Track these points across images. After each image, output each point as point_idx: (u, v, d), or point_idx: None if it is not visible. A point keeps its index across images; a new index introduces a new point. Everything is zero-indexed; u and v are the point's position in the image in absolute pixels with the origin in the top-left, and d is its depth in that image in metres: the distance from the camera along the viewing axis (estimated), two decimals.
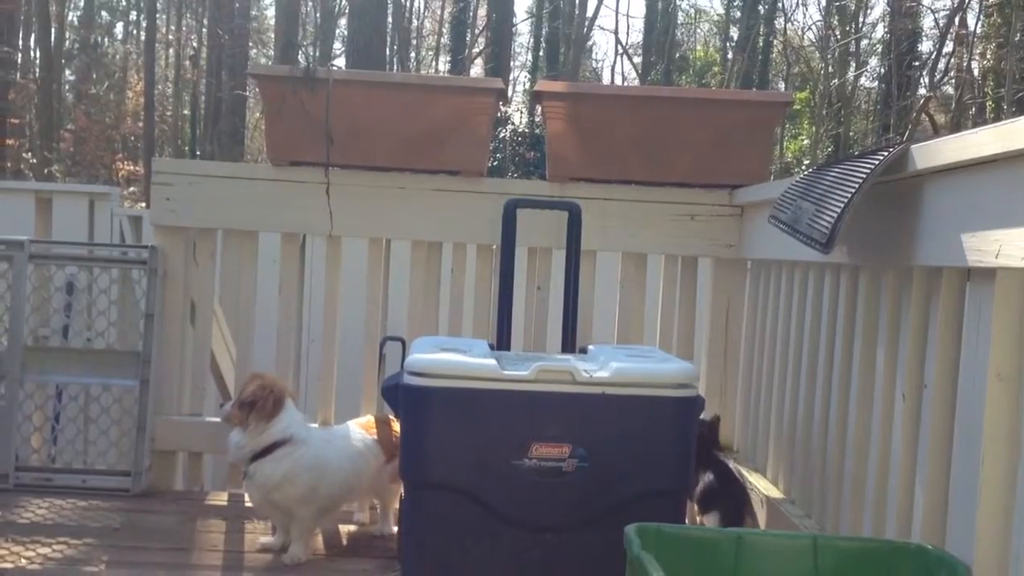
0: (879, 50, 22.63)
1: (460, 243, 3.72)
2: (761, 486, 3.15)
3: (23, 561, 2.79)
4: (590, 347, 3.05)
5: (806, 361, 2.87)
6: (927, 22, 23.14)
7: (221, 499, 3.54)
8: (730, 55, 25.42)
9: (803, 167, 19.35)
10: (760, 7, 24.21)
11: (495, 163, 14.65)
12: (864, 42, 22.87)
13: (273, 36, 22.50)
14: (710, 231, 3.65)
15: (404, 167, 3.63)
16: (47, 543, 2.94)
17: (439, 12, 28.16)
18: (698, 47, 29.66)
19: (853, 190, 2.14)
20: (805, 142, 22.90)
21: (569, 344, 3.38)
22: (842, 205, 2.15)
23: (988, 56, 19.86)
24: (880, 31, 22.73)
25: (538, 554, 2.55)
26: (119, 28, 27.95)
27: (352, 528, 3.25)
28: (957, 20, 19.47)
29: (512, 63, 26.39)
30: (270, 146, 3.68)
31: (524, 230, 3.41)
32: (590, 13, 24.31)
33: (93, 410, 3.72)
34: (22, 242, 3.55)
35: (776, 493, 3.07)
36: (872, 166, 2.14)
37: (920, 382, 2.12)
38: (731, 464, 3.29)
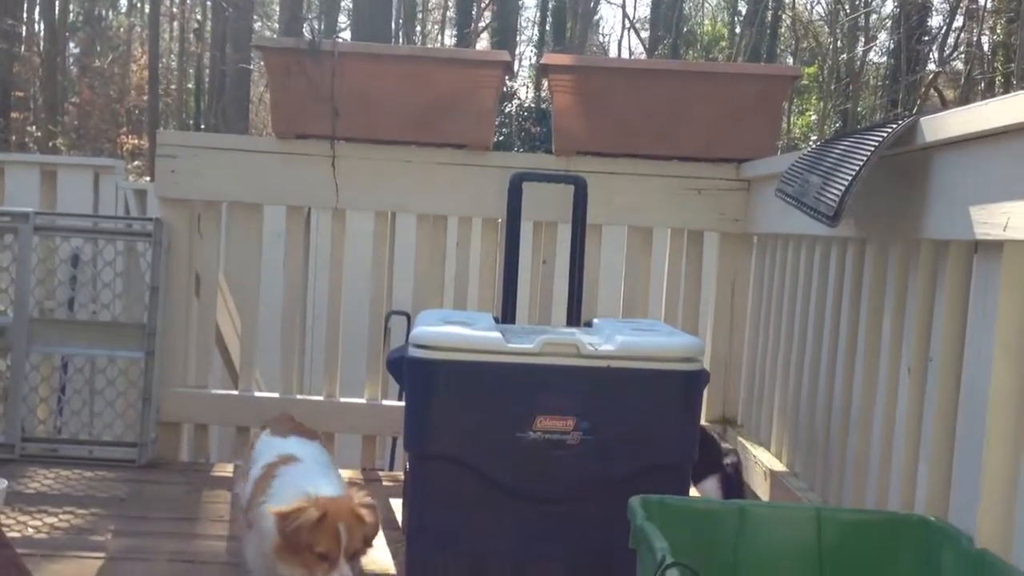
0: (888, 24, 22.46)
1: (465, 217, 3.72)
2: (765, 459, 3.16)
3: (30, 530, 2.81)
4: (595, 320, 3.04)
5: (811, 335, 2.87)
6: None
7: (226, 470, 3.56)
8: (738, 29, 25.24)
9: (811, 143, 19.26)
10: None
11: (501, 138, 14.59)
12: (873, 16, 22.69)
13: (278, 9, 22.40)
14: (717, 205, 3.64)
15: (410, 140, 3.62)
16: (54, 513, 2.96)
17: None
18: (706, 21, 29.44)
19: (861, 163, 2.13)
20: (813, 118, 22.79)
21: (574, 317, 3.38)
22: (850, 178, 2.13)
23: (998, 30, 19.71)
24: (889, 5, 22.54)
25: (542, 526, 2.56)
26: (123, 1, 27.82)
27: None
28: None
29: (518, 37, 26.22)
30: (275, 119, 3.66)
31: (530, 204, 3.40)
32: None
33: (99, 382, 3.73)
34: (27, 214, 3.55)
35: (780, 466, 3.08)
36: (880, 139, 2.12)
37: (926, 355, 2.11)
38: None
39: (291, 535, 2.02)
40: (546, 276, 3.71)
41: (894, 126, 2.13)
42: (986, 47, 20.14)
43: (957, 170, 1.95)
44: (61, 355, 3.79)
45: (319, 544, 2.03)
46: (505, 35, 21.95)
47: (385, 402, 3.74)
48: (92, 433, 3.74)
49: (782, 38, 25.43)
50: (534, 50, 28.08)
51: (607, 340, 2.58)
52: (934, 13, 21.58)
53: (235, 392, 3.80)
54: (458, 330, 2.60)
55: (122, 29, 25.85)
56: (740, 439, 3.48)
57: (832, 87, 20.90)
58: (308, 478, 2.22)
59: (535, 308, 3.74)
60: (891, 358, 2.29)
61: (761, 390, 3.42)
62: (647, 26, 27.08)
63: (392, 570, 2.69)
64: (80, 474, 3.37)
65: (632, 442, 2.54)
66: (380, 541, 2.50)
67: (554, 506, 2.55)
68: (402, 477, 2.86)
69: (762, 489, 3.10)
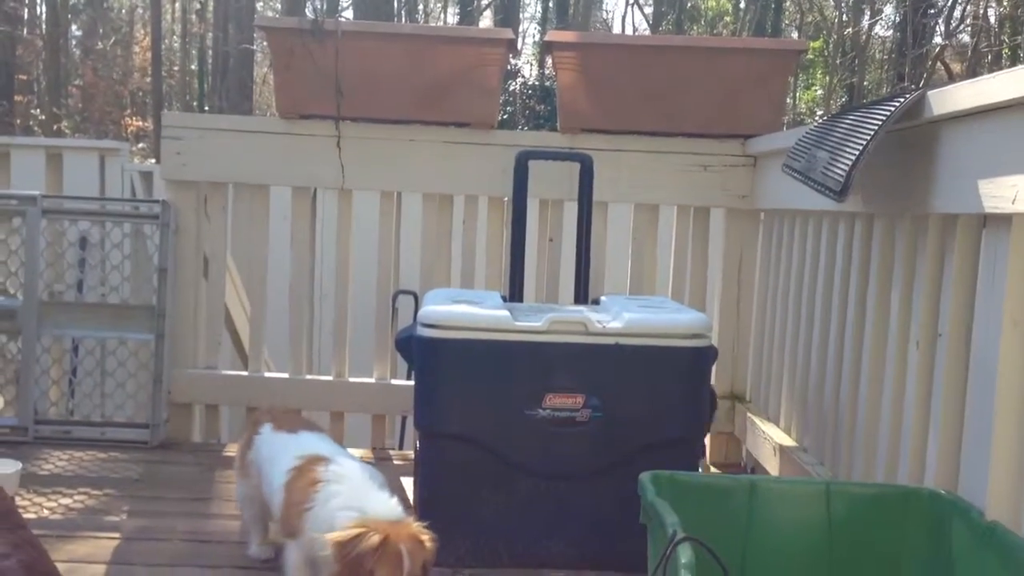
0: None
1: (472, 196, 3.72)
2: (774, 435, 3.17)
3: (45, 512, 2.84)
4: (603, 298, 3.05)
5: (819, 310, 2.87)
6: None
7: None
8: (742, 4, 25.05)
9: (817, 118, 19.15)
10: None
11: (505, 116, 14.54)
12: None
13: None
14: (723, 181, 3.63)
15: (414, 119, 3.61)
16: (68, 494, 2.99)
17: None
18: None
19: (868, 137, 2.12)
20: (819, 92, 22.65)
21: (582, 295, 3.39)
22: (857, 152, 2.13)
23: (1005, 3, 19.52)
24: None
25: (552, 503, 2.57)
26: None
27: None
28: None
29: (521, 14, 26.05)
30: (279, 99, 3.66)
31: (536, 182, 3.40)
32: None
33: (110, 364, 3.75)
34: (35, 197, 3.56)
35: (789, 441, 3.09)
36: (888, 113, 2.12)
37: (934, 330, 2.11)
38: None
39: (351, 563, 1.93)
40: (553, 254, 3.71)
41: (901, 100, 2.12)
42: (993, 20, 19.97)
43: (965, 144, 1.95)
44: (72, 337, 3.80)
45: (380, 570, 1.93)
46: (508, 12, 21.81)
47: (394, 381, 3.76)
48: (104, 415, 3.77)
49: (787, 12, 25.22)
50: (537, 27, 27.93)
51: (615, 317, 2.59)
52: None
53: (245, 373, 3.82)
54: (466, 309, 2.61)
55: (124, 10, 25.75)
56: (749, 415, 3.49)
57: (838, 61, 20.76)
58: (356, 492, 2.12)
59: (542, 286, 3.74)
60: (900, 333, 2.29)
61: (769, 366, 3.42)
62: (650, 2, 26.89)
63: None
64: (93, 455, 3.40)
65: (641, 419, 2.55)
66: None
67: (564, 483, 2.57)
68: (412, 456, 2.88)
69: (771, 464, 3.12)
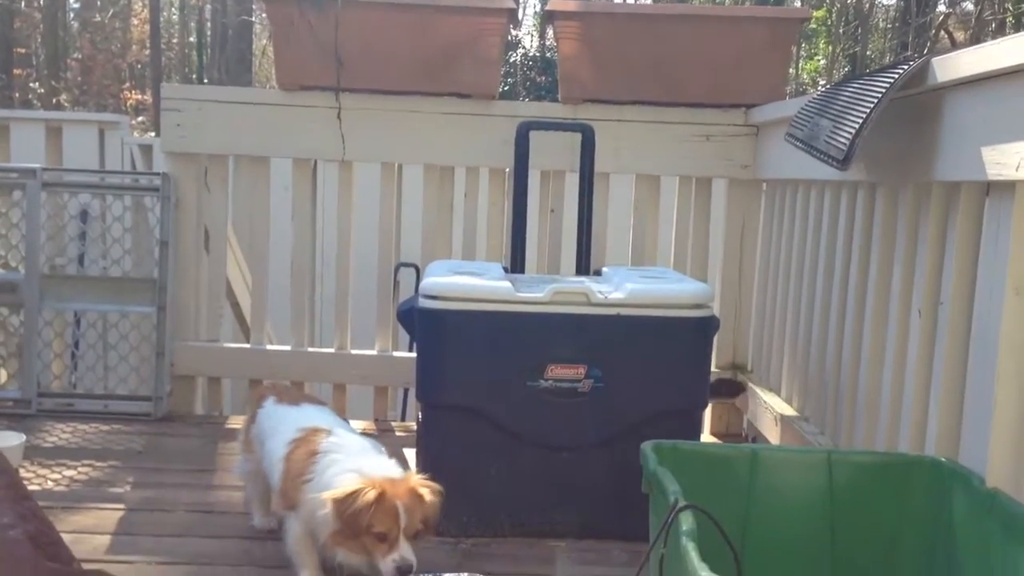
0: None
1: (472, 167, 3.70)
2: (775, 404, 3.17)
3: (49, 483, 2.85)
4: (604, 269, 3.05)
5: (821, 280, 2.87)
6: None
7: (241, 422, 3.58)
8: None
9: (819, 87, 19.03)
10: None
11: (506, 88, 14.47)
12: None
13: None
14: (725, 151, 3.62)
15: (415, 90, 3.59)
16: (72, 465, 3.00)
17: None
18: None
19: (872, 105, 2.11)
20: (821, 62, 22.50)
21: (583, 266, 3.39)
22: (860, 120, 2.12)
23: None
24: None
25: (555, 473, 2.58)
26: None
27: None
28: None
29: None
30: (279, 71, 3.64)
31: (537, 153, 3.38)
32: None
33: (112, 337, 3.76)
34: (34, 170, 3.55)
35: (790, 411, 3.09)
36: (891, 80, 2.10)
37: (936, 298, 2.11)
38: None
39: (349, 519, 1.96)
40: (554, 225, 3.70)
41: (905, 67, 2.11)
42: None
43: (969, 110, 1.93)
44: (74, 310, 3.81)
45: (378, 524, 1.96)
46: None
47: (396, 353, 3.76)
48: (107, 387, 3.78)
49: None
50: None
51: (617, 288, 2.59)
52: None
53: (247, 345, 3.82)
54: (468, 280, 2.61)
55: None
56: (751, 385, 3.50)
57: (841, 30, 20.61)
58: (355, 459, 2.13)
59: (544, 257, 3.74)
60: (901, 301, 2.29)
61: (771, 335, 3.43)
62: None
63: None
64: (96, 428, 3.41)
65: (643, 389, 2.56)
66: None
67: (566, 453, 2.58)
68: (415, 427, 2.89)
69: (773, 434, 3.13)
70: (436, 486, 2.08)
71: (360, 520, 1.95)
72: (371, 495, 1.96)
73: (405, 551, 1.98)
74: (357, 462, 2.10)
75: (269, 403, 2.49)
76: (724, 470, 1.89)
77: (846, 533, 1.84)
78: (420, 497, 2.03)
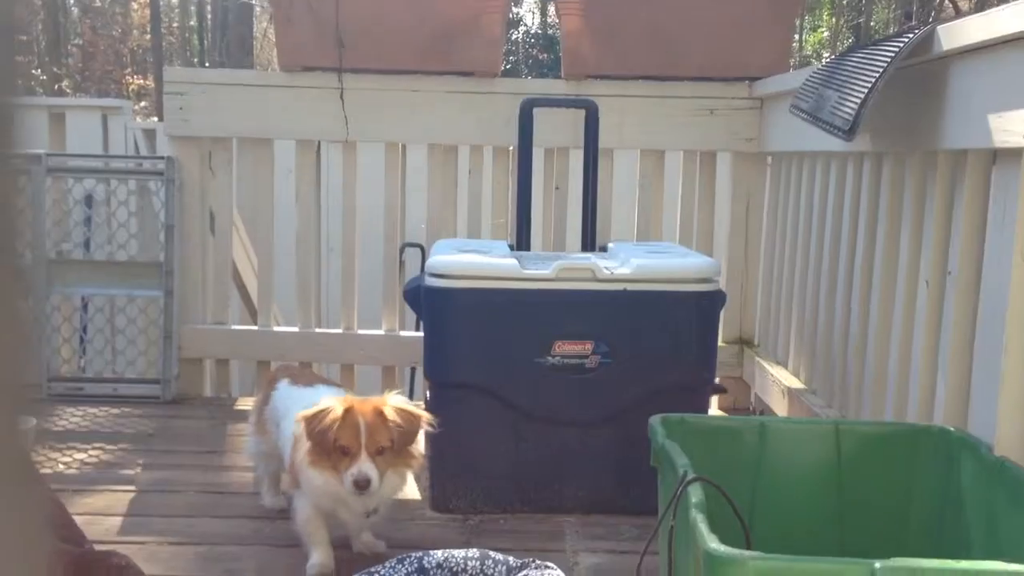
0: None
1: (476, 146, 3.69)
2: (783, 377, 3.18)
3: (60, 466, 2.87)
4: (610, 244, 3.05)
5: (828, 252, 2.86)
6: None
7: (249, 404, 3.60)
8: None
9: (824, 59, 18.90)
10: None
11: (508, 66, 14.42)
12: None
13: None
14: (729, 125, 3.60)
15: (417, 69, 3.58)
16: (83, 449, 3.02)
17: None
18: None
19: (877, 75, 2.09)
20: (825, 34, 22.37)
21: (589, 242, 3.38)
22: (866, 90, 2.10)
23: None
24: None
25: (563, 449, 2.59)
26: None
27: None
28: None
29: None
30: (281, 52, 3.63)
31: (541, 130, 3.37)
32: None
33: (119, 321, 3.77)
34: (39, 155, 3.56)
35: (798, 384, 3.09)
36: (897, 49, 2.09)
37: (944, 268, 2.11)
38: None
39: (318, 436, 2.05)
40: (559, 202, 3.70)
41: (910, 36, 2.09)
42: None
43: (975, 78, 1.92)
44: (81, 295, 3.82)
45: (342, 438, 2.05)
46: None
47: (403, 333, 3.77)
48: (116, 371, 3.80)
49: None
50: None
51: (623, 263, 2.59)
52: None
53: (254, 327, 3.83)
54: (474, 258, 2.61)
55: None
56: (757, 359, 3.50)
57: (844, 1, 20.47)
58: None
59: (549, 234, 3.73)
60: (908, 272, 2.29)
61: (778, 309, 3.42)
62: None
63: (417, 496, 2.73)
64: (106, 411, 3.43)
65: (650, 364, 2.56)
66: None
67: (574, 429, 2.58)
68: (423, 406, 2.89)
69: (780, 407, 3.13)
70: (410, 408, 2.15)
71: (327, 436, 2.04)
72: (337, 411, 2.05)
73: (364, 465, 2.04)
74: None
75: (284, 384, 2.50)
76: (732, 443, 1.89)
77: (854, 503, 1.85)
78: (384, 415, 2.09)
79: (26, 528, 0.51)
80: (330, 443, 2.05)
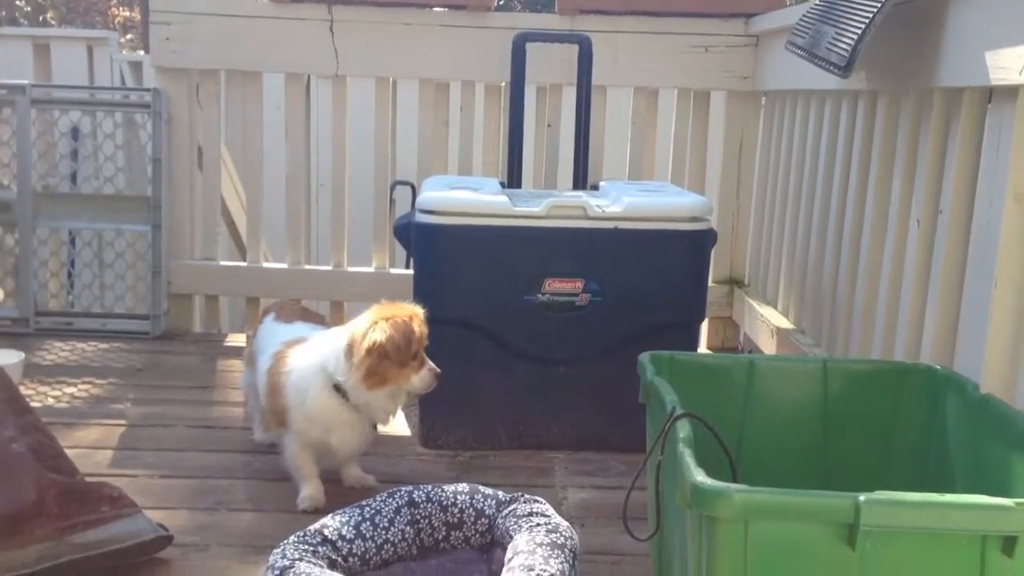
0: None
1: (468, 81, 3.65)
2: (772, 317, 3.19)
3: (50, 400, 2.87)
4: (602, 183, 3.03)
5: (820, 192, 2.85)
6: None
7: (239, 340, 3.60)
8: None
9: None
10: None
11: (501, 2, 14.20)
12: None
13: None
14: (724, 63, 3.56)
15: (409, 2, 3.52)
16: (72, 383, 3.02)
17: None
18: None
19: (874, 10, 2.06)
20: None
21: (581, 181, 3.36)
22: (863, 26, 2.08)
23: None
24: None
25: (552, 386, 2.60)
26: None
27: None
28: None
29: None
30: None
31: (533, 67, 3.33)
32: None
33: (108, 255, 3.75)
34: (23, 86, 3.50)
35: (786, 324, 3.11)
36: None
37: (936, 207, 2.10)
38: None
39: (406, 348, 2.08)
40: (551, 140, 3.66)
41: None
42: None
43: (973, 14, 1.89)
44: (68, 229, 3.78)
45: (414, 344, 2.10)
46: None
47: (393, 270, 3.76)
48: (104, 306, 3.78)
49: None
50: None
51: (614, 202, 2.57)
52: None
53: (244, 264, 3.81)
54: (465, 195, 2.59)
55: None
56: (747, 299, 3.50)
57: None
58: (312, 345, 2.22)
59: (541, 172, 3.71)
60: (900, 211, 2.28)
61: (768, 249, 3.42)
62: None
63: (407, 432, 2.75)
64: (95, 346, 3.42)
65: (640, 302, 2.56)
66: None
67: (563, 367, 2.59)
68: None
69: (769, 347, 3.14)
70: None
71: (414, 344, 2.10)
72: (419, 318, 2.13)
73: (430, 361, 2.16)
74: (315, 350, 2.19)
75: (268, 319, 2.49)
76: (721, 380, 1.90)
77: (840, 439, 1.86)
78: (423, 321, 2.15)
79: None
80: (413, 351, 2.11)
